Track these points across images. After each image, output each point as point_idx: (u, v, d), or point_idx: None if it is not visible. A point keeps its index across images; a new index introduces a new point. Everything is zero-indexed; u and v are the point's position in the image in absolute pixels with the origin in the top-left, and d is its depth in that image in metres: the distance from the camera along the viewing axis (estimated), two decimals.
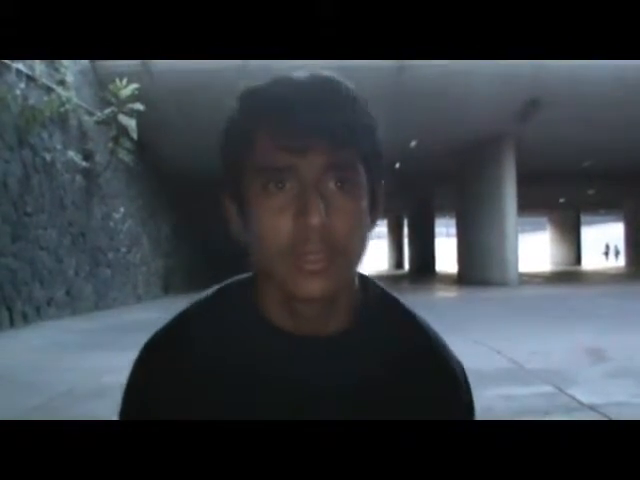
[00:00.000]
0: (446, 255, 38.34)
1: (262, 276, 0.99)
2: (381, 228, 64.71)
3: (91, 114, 13.84)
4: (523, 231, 69.60)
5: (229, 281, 1.09)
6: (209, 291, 1.08)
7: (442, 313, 11.55)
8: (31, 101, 11.26)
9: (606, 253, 54.64)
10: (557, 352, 6.70)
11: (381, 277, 27.77)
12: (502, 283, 19.43)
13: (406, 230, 44.89)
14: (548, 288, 20.21)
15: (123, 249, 16.16)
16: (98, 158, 14.21)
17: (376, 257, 45.71)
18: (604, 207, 46.19)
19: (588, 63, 14.70)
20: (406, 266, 44.41)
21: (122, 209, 16.09)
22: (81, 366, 6.65)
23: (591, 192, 35.27)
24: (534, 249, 66.20)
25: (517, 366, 6.13)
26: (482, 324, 9.68)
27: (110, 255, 15.15)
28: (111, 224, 15.39)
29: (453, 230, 28.07)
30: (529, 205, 37.54)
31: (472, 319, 10.38)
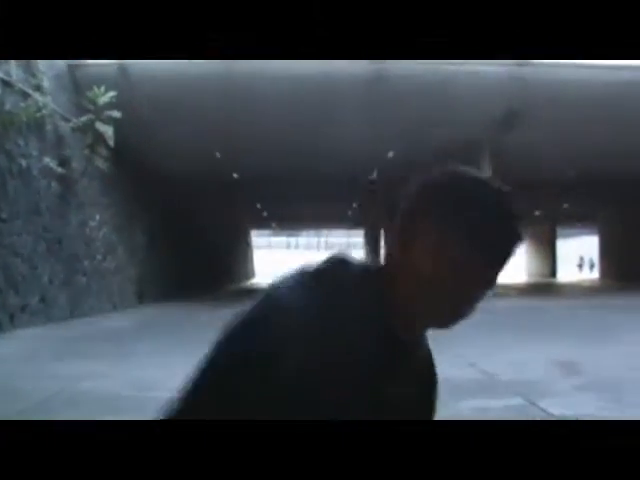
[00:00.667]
0: None
1: (405, 294, 1.21)
2: (357, 239, 65.09)
3: (67, 120, 13.76)
4: None
5: (345, 270, 1.27)
6: (324, 269, 1.26)
7: None
8: (7, 106, 11.18)
9: (580, 265, 55.15)
10: (530, 365, 6.75)
11: None
12: None
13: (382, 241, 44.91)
14: (523, 300, 20.31)
15: (99, 257, 16.06)
16: (74, 164, 14.13)
17: None
18: (579, 220, 46.60)
19: (566, 78, 14.91)
20: None
21: (98, 216, 16.00)
22: (58, 374, 6.59)
23: (566, 205, 35.59)
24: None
25: (490, 378, 6.16)
26: (456, 336, 9.68)
27: (85, 263, 15.04)
28: (87, 231, 15.28)
29: None
30: None
31: (446, 331, 10.39)
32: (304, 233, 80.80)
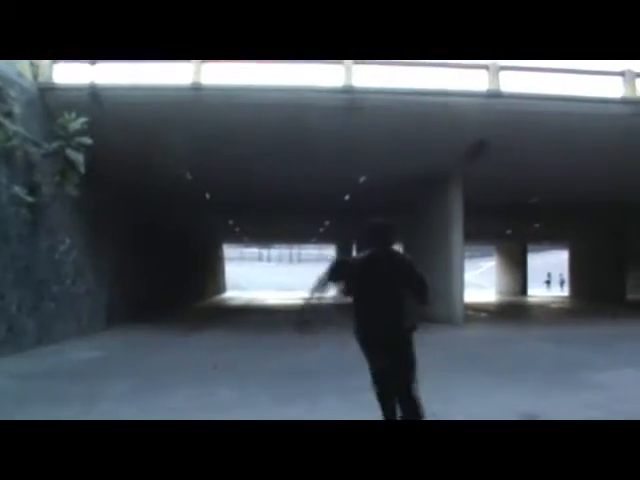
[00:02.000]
0: None
1: None
2: (327, 252, 65.32)
3: (38, 145, 13.61)
4: (472, 257, 70.42)
5: None
6: None
7: None
8: None
9: (548, 282, 55.56)
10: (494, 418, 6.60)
11: (326, 305, 27.53)
12: (447, 320, 19.53)
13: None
14: (491, 328, 20.27)
15: (68, 281, 15.90)
16: (44, 189, 14.00)
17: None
18: (550, 239, 47.06)
19: (533, 110, 15.20)
20: None
21: (68, 240, 15.85)
22: None
23: (537, 225, 35.95)
24: (482, 275, 67.06)
25: None
26: (424, 376, 9.62)
27: (55, 288, 14.89)
28: (56, 256, 15.13)
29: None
30: (477, 235, 38.05)
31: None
32: (276, 245, 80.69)
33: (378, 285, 5.40)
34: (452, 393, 8.17)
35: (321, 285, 5.58)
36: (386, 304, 5.36)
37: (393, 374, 5.25)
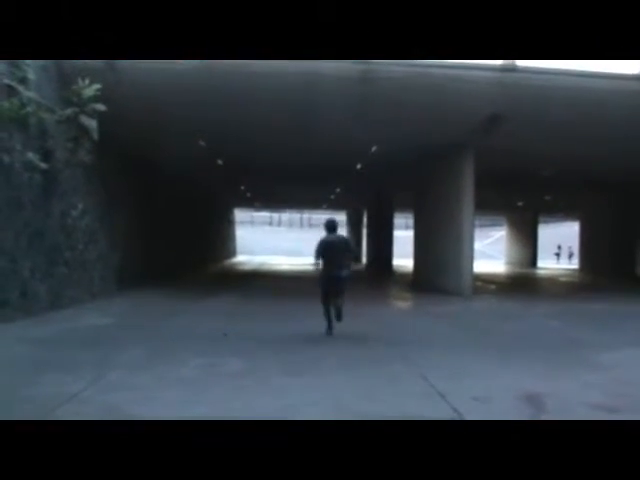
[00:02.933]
0: (404, 246, 38.21)
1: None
2: (338, 217, 65.15)
3: (53, 111, 13.65)
4: (482, 226, 70.30)
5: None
6: None
7: (391, 335, 11.37)
8: None
9: (557, 254, 55.52)
10: (499, 398, 6.65)
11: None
12: (456, 292, 19.65)
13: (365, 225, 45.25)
14: (500, 301, 20.22)
15: (80, 246, 16.03)
16: (58, 155, 14.06)
17: None
18: (561, 211, 46.89)
19: (547, 84, 15.08)
20: (364, 260, 44.75)
21: (80, 205, 15.95)
22: (31, 396, 6.36)
23: (548, 197, 35.83)
24: (491, 244, 67.03)
25: (458, 416, 6.17)
26: (430, 352, 9.72)
27: (67, 253, 15.02)
28: (69, 221, 15.24)
29: (412, 222, 28.25)
30: (488, 206, 37.98)
31: (420, 344, 10.41)
32: (287, 210, 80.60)
33: (333, 254, 11.04)
34: (461, 368, 8.29)
35: (316, 258, 11.21)
36: (335, 264, 11.04)
37: (333, 298, 11.24)
